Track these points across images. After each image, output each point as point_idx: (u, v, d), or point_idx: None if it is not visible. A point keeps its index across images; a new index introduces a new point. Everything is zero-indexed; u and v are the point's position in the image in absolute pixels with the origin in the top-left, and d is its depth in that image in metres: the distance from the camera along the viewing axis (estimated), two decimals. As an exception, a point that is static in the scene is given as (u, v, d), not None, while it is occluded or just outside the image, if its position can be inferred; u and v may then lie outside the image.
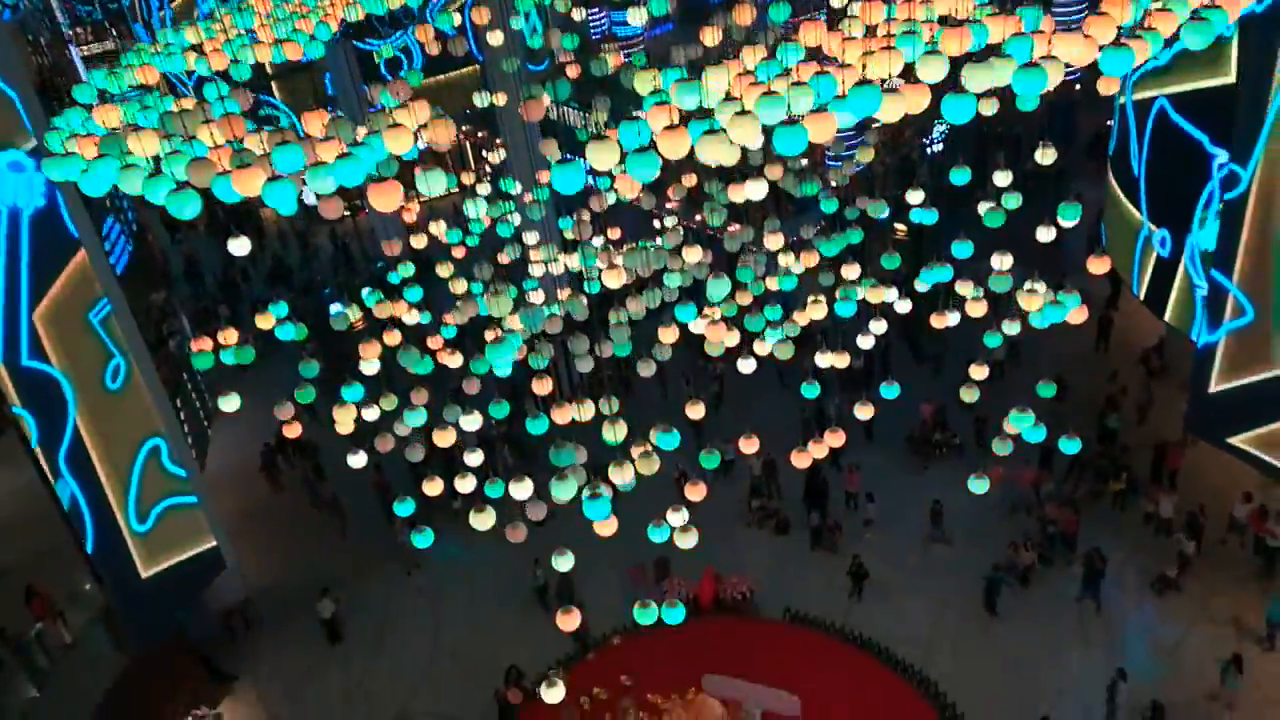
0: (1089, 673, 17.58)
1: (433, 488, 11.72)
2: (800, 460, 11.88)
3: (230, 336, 11.41)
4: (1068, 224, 11.52)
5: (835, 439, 11.66)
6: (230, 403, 11.36)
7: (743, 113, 6.50)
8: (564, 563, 10.29)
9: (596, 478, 9.08)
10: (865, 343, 13.58)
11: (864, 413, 12.58)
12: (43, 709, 16.90)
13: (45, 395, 16.82)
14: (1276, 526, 19.06)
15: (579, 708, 17.91)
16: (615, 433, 8.81)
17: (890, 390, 13.00)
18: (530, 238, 13.88)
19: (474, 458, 11.50)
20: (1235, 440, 19.35)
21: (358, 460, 12.31)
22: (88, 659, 18.29)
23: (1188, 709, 17.06)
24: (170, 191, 7.37)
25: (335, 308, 12.91)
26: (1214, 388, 19.43)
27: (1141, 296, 23.45)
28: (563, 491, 8.27)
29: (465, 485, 11.00)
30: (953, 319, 12.82)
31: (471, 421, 11.38)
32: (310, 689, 20.09)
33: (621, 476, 9.03)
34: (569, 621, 9.96)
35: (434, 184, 8.39)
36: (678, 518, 10.01)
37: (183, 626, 19.94)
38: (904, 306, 13.62)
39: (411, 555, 22.67)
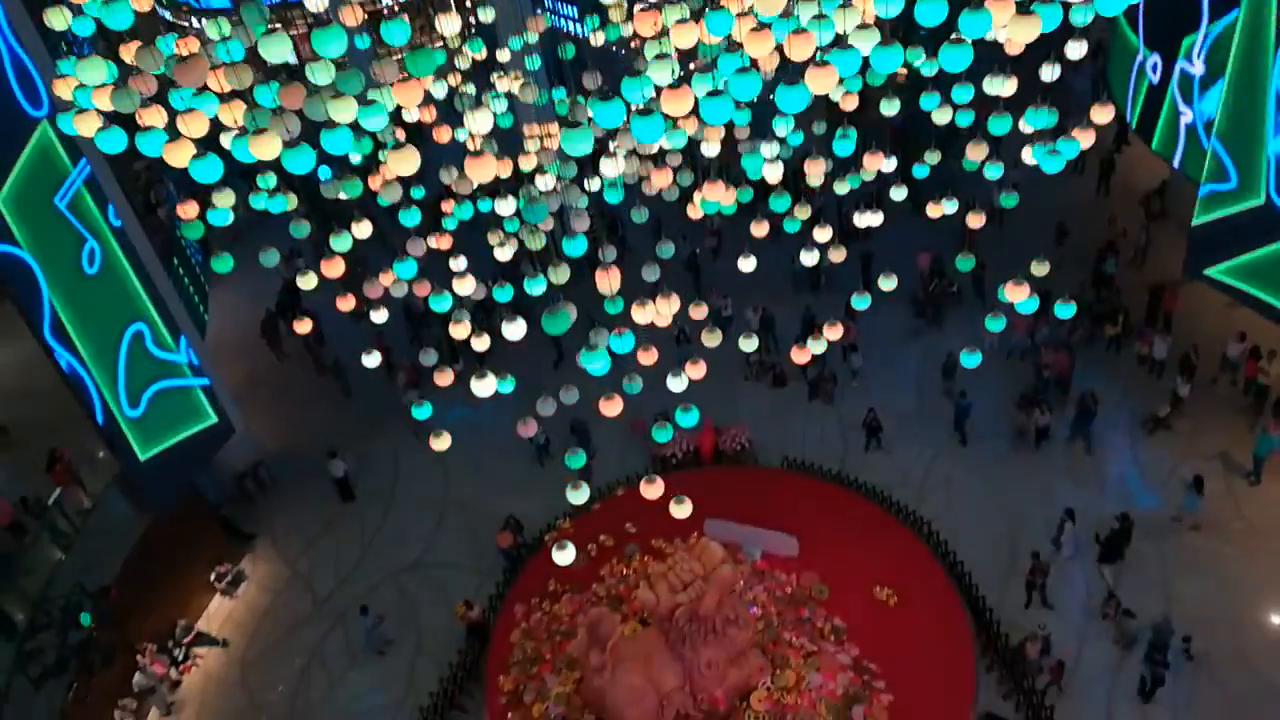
0: (1078, 512, 18.18)
1: (444, 379, 11.78)
2: (800, 356, 11.95)
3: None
4: (1073, 58, 11.09)
5: (833, 333, 11.61)
6: (223, 263, 11.20)
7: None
8: (570, 396, 10.77)
9: (596, 326, 9.24)
10: (864, 220, 13.27)
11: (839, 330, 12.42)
12: (69, 571, 17.56)
13: (20, 278, 16.46)
14: (1268, 365, 19.31)
15: (586, 554, 18.63)
16: (610, 285, 8.78)
17: (861, 302, 12.75)
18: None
19: (478, 339, 11.44)
20: (1213, 272, 19.58)
21: (371, 360, 12.64)
22: (108, 523, 18.87)
23: (1172, 533, 17.78)
24: (194, 157, 7.61)
25: (323, 170, 12.56)
26: (1194, 220, 19.56)
27: (1134, 125, 23.15)
28: (553, 326, 8.27)
29: (460, 332, 10.96)
30: (949, 207, 12.37)
31: (466, 285, 11.27)
32: (326, 544, 20.86)
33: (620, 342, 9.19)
34: (577, 495, 10.28)
35: (423, 66, 7.96)
36: (678, 383, 10.23)
37: (198, 489, 20.51)
38: (900, 194, 13.23)
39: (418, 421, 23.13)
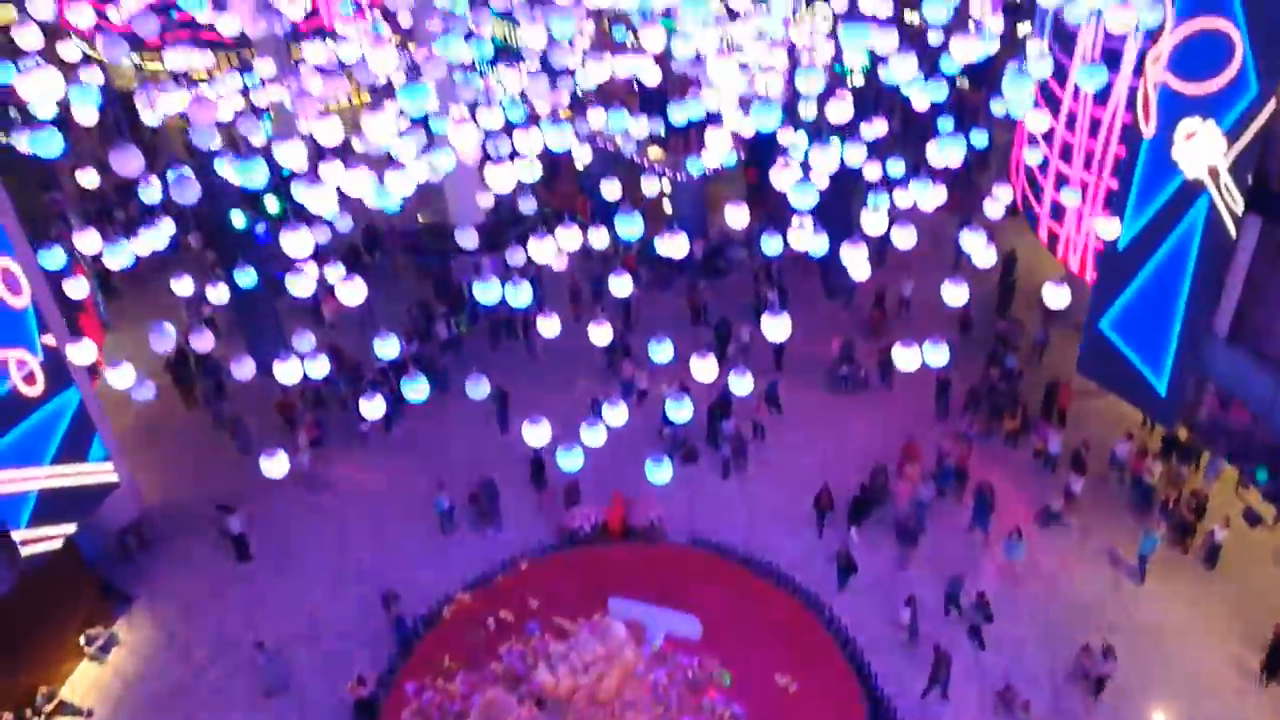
0: (978, 592, 18.43)
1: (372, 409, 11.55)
2: (703, 371, 11.46)
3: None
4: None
5: (744, 385, 11.46)
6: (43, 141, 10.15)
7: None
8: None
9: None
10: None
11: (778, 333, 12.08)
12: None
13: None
14: (1154, 465, 20.16)
15: (484, 629, 18.09)
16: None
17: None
18: None
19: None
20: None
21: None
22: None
23: (1064, 630, 18.20)
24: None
25: (236, 215, 12.31)
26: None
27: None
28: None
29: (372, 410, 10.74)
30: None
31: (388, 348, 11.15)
32: (210, 608, 19.76)
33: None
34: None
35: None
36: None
37: (75, 544, 19.28)
38: (821, 242, 13.38)
39: (315, 479, 22.42)
